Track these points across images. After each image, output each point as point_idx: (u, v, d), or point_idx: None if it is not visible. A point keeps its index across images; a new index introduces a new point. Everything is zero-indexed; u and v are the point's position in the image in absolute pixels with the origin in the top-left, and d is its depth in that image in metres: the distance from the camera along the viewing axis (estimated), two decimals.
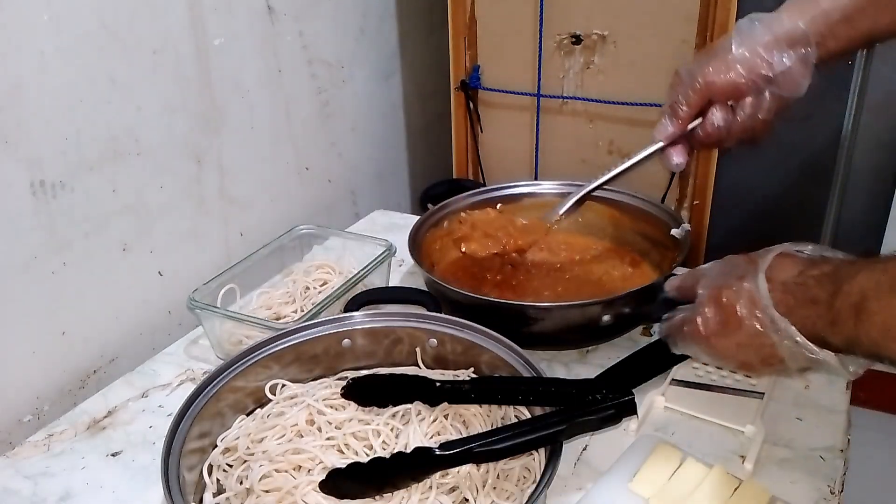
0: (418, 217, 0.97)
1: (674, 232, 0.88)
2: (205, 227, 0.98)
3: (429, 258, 0.96)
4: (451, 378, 0.69)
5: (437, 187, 1.05)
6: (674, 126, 0.72)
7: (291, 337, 0.71)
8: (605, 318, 0.78)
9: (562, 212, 0.88)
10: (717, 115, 0.70)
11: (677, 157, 0.74)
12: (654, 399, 0.74)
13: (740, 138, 0.71)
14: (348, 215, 1.28)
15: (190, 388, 0.66)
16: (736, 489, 0.61)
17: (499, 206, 1.02)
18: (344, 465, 0.59)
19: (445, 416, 0.65)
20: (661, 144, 0.74)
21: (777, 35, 0.67)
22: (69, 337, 0.82)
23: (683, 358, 0.77)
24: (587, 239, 0.99)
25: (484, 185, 1.03)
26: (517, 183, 1.03)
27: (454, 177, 1.34)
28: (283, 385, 0.70)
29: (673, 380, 0.76)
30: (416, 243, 0.92)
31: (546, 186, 1.02)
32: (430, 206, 1.00)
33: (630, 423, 0.71)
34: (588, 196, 0.88)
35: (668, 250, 0.89)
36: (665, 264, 0.88)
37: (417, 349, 0.73)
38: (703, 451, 0.67)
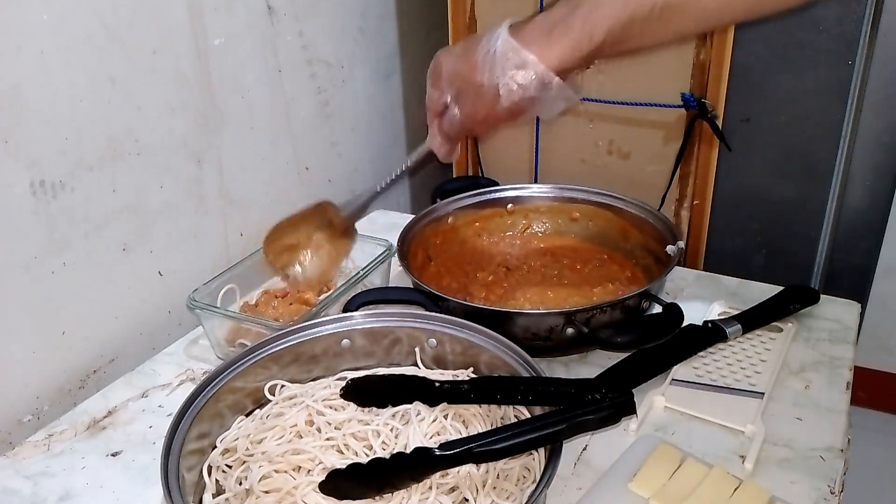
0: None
1: (668, 249, 0.87)
2: (205, 227, 0.98)
3: (425, 252, 0.96)
4: (451, 378, 0.69)
5: (452, 182, 1.05)
6: (441, 136, 0.75)
7: (291, 337, 0.71)
8: (569, 330, 0.76)
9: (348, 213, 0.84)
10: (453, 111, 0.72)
11: (445, 155, 0.76)
12: (654, 399, 0.74)
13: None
14: None
15: (190, 389, 0.66)
16: (736, 489, 0.61)
17: (509, 206, 1.02)
18: (344, 466, 0.59)
19: (445, 417, 0.65)
20: (430, 146, 0.77)
21: (542, 82, 0.65)
22: (69, 337, 0.82)
23: (682, 358, 0.78)
24: (594, 247, 0.99)
25: (497, 184, 1.03)
26: (528, 185, 1.03)
27: (455, 175, 1.34)
28: (283, 385, 0.70)
29: (673, 380, 0.76)
30: (407, 239, 0.92)
31: (545, 189, 1.03)
32: (438, 200, 1.00)
33: (630, 423, 0.71)
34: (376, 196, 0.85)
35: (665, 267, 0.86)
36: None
37: (416, 349, 0.73)
38: (703, 451, 0.67)
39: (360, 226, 1.17)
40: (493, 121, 0.69)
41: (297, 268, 0.80)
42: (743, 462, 0.66)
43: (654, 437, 0.69)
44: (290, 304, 0.88)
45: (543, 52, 0.64)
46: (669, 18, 0.64)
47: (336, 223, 0.82)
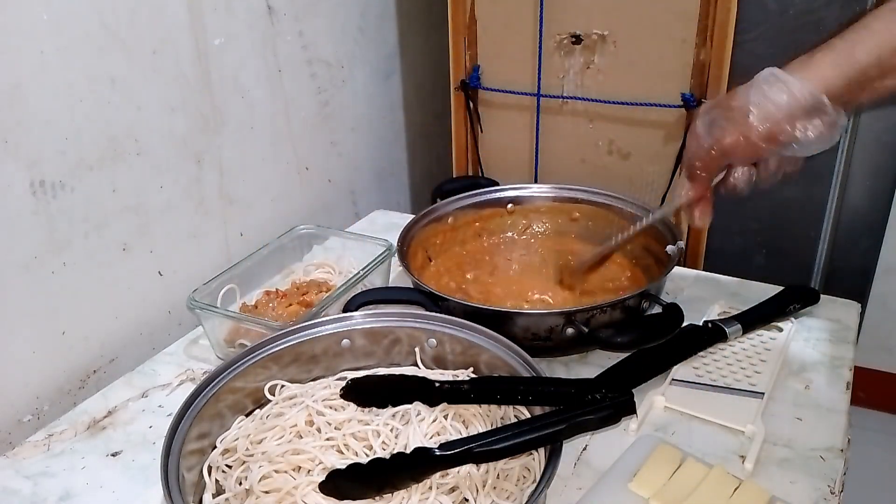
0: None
1: (668, 249, 0.87)
2: (205, 227, 0.98)
3: (425, 252, 0.96)
4: (451, 378, 0.69)
5: (452, 182, 1.05)
6: (694, 190, 0.69)
7: (291, 337, 0.71)
8: (569, 330, 0.76)
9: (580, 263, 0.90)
10: (739, 177, 0.67)
11: (701, 215, 0.70)
12: (654, 399, 0.74)
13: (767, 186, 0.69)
14: (348, 215, 1.28)
15: (190, 388, 0.66)
16: (736, 489, 0.61)
17: (509, 206, 1.02)
18: (344, 466, 0.59)
19: (445, 417, 0.65)
20: (682, 202, 0.71)
21: (800, 102, 0.60)
22: (69, 337, 0.82)
23: (682, 358, 0.78)
24: (594, 247, 0.99)
25: (497, 184, 1.03)
26: (528, 185, 1.03)
27: (455, 175, 1.34)
28: (283, 385, 0.70)
29: (673, 380, 0.76)
30: (407, 238, 0.92)
31: (545, 189, 1.03)
32: (438, 200, 1.00)
33: (630, 423, 0.71)
34: (610, 253, 0.90)
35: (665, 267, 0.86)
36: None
37: (416, 349, 0.73)
38: (703, 450, 0.67)
39: (360, 226, 1.17)
40: (743, 149, 0.63)
41: None
42: (743, 462, 0.66)
43: (654, 437, 0.69)
44: (290, 304, 0.88)
45: (803, 73, 0.61)
46: None
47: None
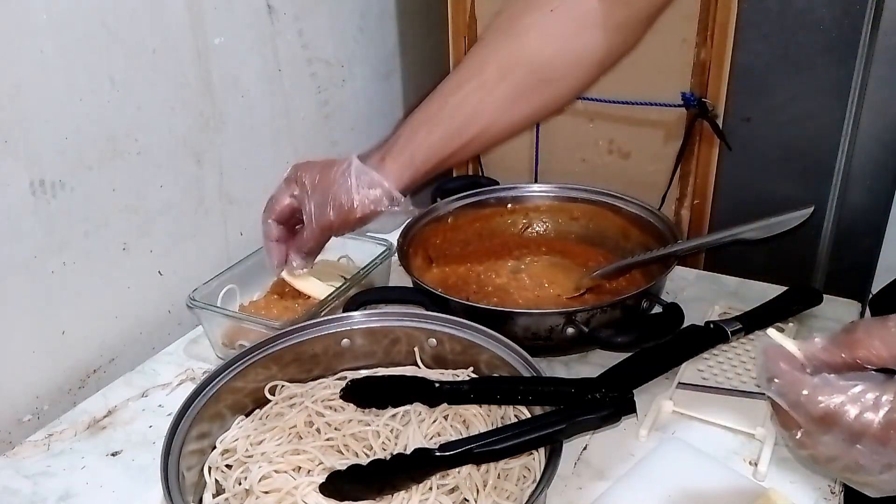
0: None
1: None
2: (205, 227, 0.98)
3: (425, 252, 0.96)
4: (451, 378, 0.69)
5: (452, 182, 1.05)
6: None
7: (291, 337, 0.71)
8: (570, 330, 0.76)
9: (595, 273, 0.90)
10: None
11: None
12: (662, 403, 0.73)
13: None
14: None
15: (190, 388, 0.66)
16: None
17: (509, 206, 1.02)
18: (344, 467, 0.59)
19: (445, 417, 0.65)
20: None
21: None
22: (69, 336, 0.82)
23: (684, 359, 0.77)
24: (594, 247, 0.99)
25: (497, 184, 1.03)
26: (528, 185, 1.03)
27: (455, 175, 1.34)
28: (283, 385, 0.70)
29: (679, 383, 0.75)
30: (407, 238, 0.92)
31: (545, 189, 1.02)
32: (438, 199, 1.00)
33: (640, 429, 0.70)
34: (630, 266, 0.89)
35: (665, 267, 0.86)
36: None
37: (416, 349, 0.73)
38: (713, 454, 0.67)
39: None
40: (342, 229, 0.77)
41: None
42: (756, 466, 0.66)
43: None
44: (289, 304, 0.88)
45: (383, 174, 0.75)
46: (470, 144, 0.76)
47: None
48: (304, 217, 0.76)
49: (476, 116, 0.75)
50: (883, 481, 0.42)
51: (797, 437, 0.43)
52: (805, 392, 0.41)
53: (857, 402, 0.40)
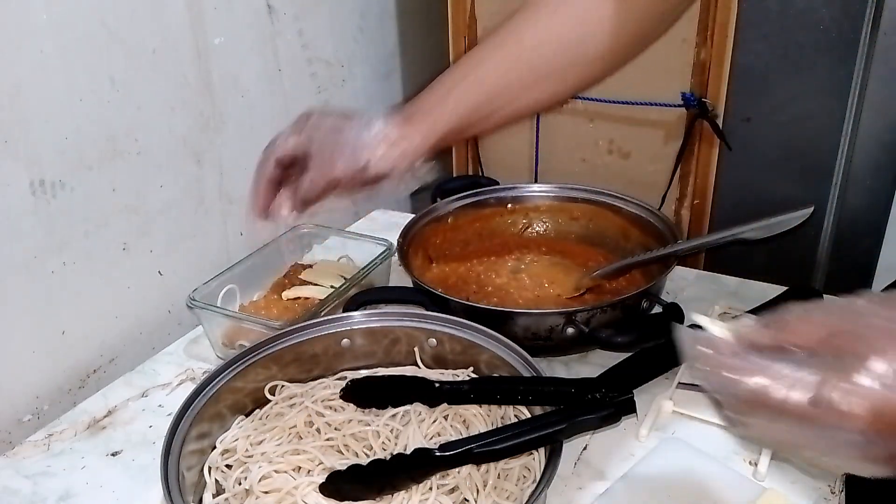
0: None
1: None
2: (205, 227, 0.98)
3: (425, 251, 0.96)
4: (451, 378, 0.69)
5: (452, 182, 1.05)
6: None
7: (291, 337, 0.71)
8: (570, 330, 0.76)
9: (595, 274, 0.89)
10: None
11: None
12: (662, 403, 0.73)
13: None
14: (348, 214, 1.27)
15: (190, 388, 0.66)
16: None
17: (509, 206, 1.02)
18: (344, 467, 0.59)
19: (445, 417, 0.65)
20: None
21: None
22: (69, 336, 0.82)
23: (681, 361, 0.77)
24: (594, 247, 0.99)
25: (497, 184, 1.03)
26: (528, 185, 1.03)
27: (455, 175, 1.34)
28: (283, 385, 0.70)
29: (679, 383, 0.75)
30: (407, 238, 0.92)
31: (545, 189, 1.02)
32: (438, 199, 1.00)
33: (641, 429, 0.70)
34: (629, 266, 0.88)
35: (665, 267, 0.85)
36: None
37: (416, 349, 0.73)
38: (713, 454, 0.67)
39: (360, 225, 1.17)
40: (349, 186, 0.70)
41: None
42: (756, 466, 0.66)
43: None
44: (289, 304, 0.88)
45: (410, 132, 0.69)
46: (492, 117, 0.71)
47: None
48: (310, 164, 0.69)
49: (507, 89, 0.71)
50: (832, 464, 0.43)
51: (728, 416, 0.42)
52: (727, 374, 0.41)
53: (779, 379, 0.39)
